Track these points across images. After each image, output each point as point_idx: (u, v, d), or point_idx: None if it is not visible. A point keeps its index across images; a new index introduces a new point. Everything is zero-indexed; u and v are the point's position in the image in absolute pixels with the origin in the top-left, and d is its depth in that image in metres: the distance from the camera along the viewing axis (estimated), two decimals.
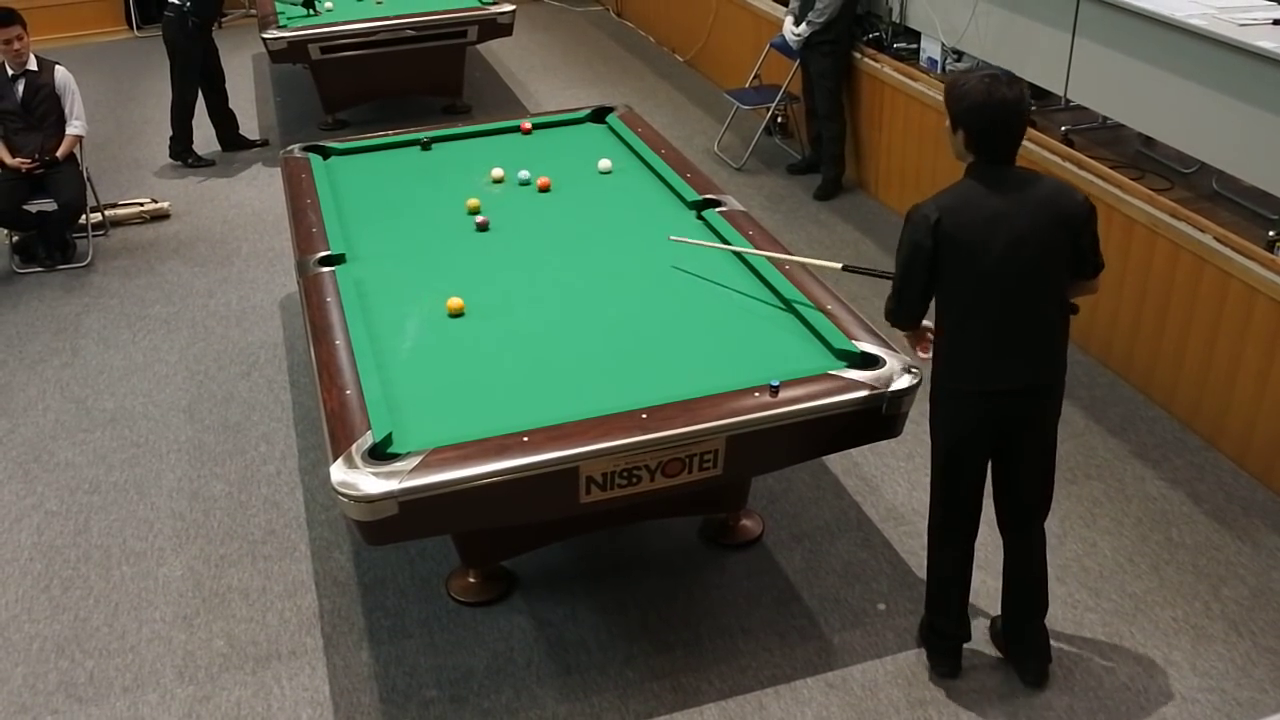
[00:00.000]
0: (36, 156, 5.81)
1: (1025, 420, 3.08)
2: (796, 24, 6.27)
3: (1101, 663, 3.41)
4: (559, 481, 2.96)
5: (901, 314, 3.12)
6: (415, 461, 2.87)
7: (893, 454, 4.32)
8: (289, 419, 4.69)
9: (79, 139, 6.01)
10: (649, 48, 9.43)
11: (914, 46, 6.11)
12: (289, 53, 7.15)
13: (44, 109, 5.91)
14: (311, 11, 7.52)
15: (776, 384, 3.12)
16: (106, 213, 6.41)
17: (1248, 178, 4.19)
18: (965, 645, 3.38)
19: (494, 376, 3.32)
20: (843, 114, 6.44)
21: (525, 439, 2.95)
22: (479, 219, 4.23)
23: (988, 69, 2.98)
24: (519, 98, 8.28)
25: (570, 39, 9.72)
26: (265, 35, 7.12)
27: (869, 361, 3.26)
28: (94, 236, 6.20)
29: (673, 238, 4.00)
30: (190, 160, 7.25)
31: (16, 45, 5.80)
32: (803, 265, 3.81)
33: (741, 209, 4.27)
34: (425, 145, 5.03)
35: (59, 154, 5.90)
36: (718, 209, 4.24)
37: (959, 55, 5.76)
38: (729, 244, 3.95)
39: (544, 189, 4.52)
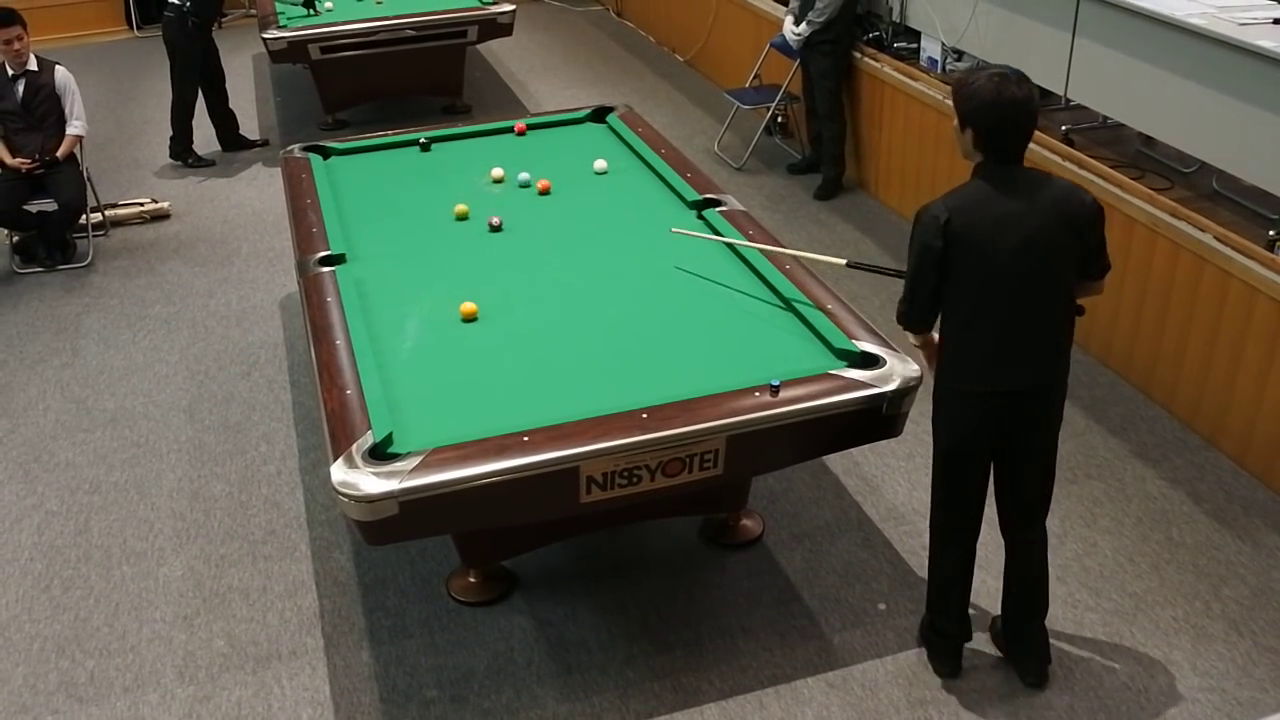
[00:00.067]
0: (37, 156, 5.81)
1: (1028, 421, 3.07)
2: (796, 23, 6.27)
3: (1102, 662, 3.41)
4: (559, 481, 2.95)
5: (914, 316, 3.10)
6: (415, 461, 2.87)
7: (893, 454, 4.32)
8: (289, 419, 4.69)
9: (79, 139, 6.01)
10: (649, 48, 9.42)
11: (914, 46, 6.10)
12: (289, 53, 7.16)
13: (44, 109, 5.91)
14: (311, 11, 7.52)
15: (777, 384, 3.12)
16: (107, 213, 6.41)
17: (1248, 177, 4.19)
18: (966, 645, 3.38)
19: (494, 376, 3.31)
20: (843, 114, 6.44)
21: (525, 439, 2.95)
22: (493, 219, 4.21)
23: (994, 68, 2.94)
24: (519, 98, 8.28)
25: (570, 39, 9.72)
26: (265, 35, 7.12)
27: (869, 361, 3.25)
28: (94, 236, 6.20)
29: (675, 230, 4.01)
30: (190, 160, 7.26)
31: (17, 45, 5.80)
32: (804, 263, 3.81)
33: (742, 209, 4.27)
34: (425, 145, 5.03)
35: (59, 154, 5.90)
36: (718, 209, 4.24)
37: (959, 55, 5.76)
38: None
39: (544, 192, 4.51)
